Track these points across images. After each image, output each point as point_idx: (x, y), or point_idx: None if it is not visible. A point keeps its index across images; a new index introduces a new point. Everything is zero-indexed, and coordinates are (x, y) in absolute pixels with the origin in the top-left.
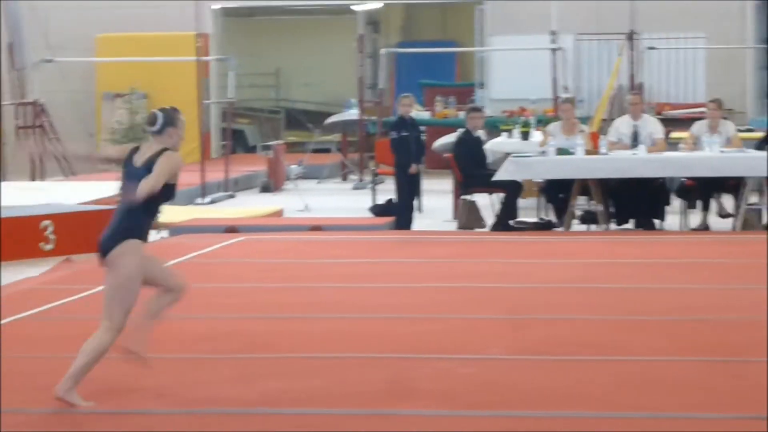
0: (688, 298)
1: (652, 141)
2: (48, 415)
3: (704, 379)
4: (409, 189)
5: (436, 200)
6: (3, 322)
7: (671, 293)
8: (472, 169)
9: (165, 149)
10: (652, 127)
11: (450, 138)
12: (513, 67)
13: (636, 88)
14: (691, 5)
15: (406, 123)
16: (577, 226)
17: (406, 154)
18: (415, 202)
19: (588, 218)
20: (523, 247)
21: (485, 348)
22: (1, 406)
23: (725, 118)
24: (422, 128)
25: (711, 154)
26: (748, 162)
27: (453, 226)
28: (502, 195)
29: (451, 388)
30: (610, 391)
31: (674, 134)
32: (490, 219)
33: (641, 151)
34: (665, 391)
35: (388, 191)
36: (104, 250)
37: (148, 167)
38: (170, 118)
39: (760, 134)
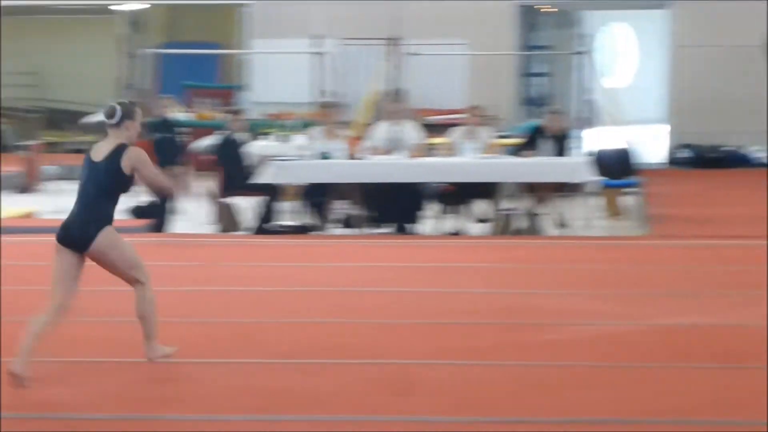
0: (443, 301)
1: (411, 146)
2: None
3: (456, 382)
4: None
5: (197, 202)
6: None
7: (427, 297)
8: (232, 172)
9: (122, 144)
10: (412, 132)
11: (211, 140)
12: (276, 70)
13: (398, 93)
14: (452, 12)
15: (165, 124)
16: (336, 229)
17: (165, 156)
18: (174, 204)
19: (347, 222)
20: (283, 250)
21: (244, 352)
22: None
23: (484, 125)
24: (184, 130)
25: (468, 159)
26: (504, 168)
27: (213, 228)
28: (262, 198)
29: (210, 393)
30: (364, 394)
31: (434, 140)
32: (250, 222)
33: (400, 156)
34: (423, 394)
35: (149, 193)
36: (83, 242)
37: (110, 161)
38: (128, 111)
39: (518, 140)
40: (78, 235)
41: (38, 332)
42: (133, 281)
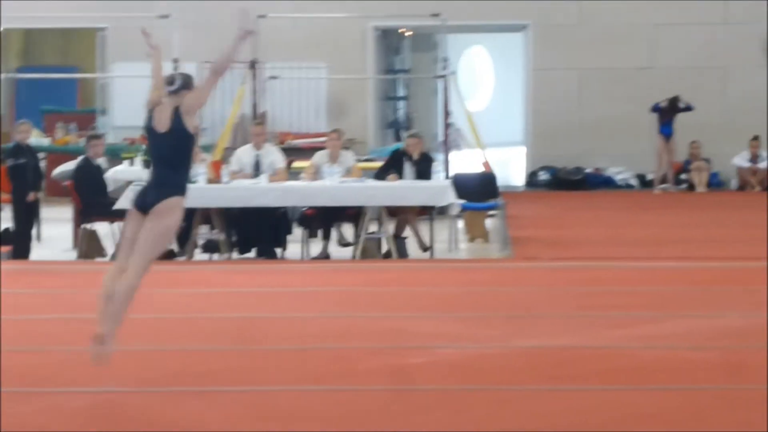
0: (309, 326)
1: (273, 170)
2: None
3: (324, 408)
4: (27, 217)
5: (56, 229)
6: None
7: (293, 322)
8: (92, 197)
9: (177, 107)
10: (273, 156)
11: (70, 165)
12: (136, 94)
13: (259, 117)
14: (313, 35)
15: (23, 150)
16: (199, 255)
17: (22, 182)
18: (32, 231)
19: (210, 247)
20: (146, 276)
21: (100, 380)
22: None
23: (346, 148)
24: (41, 155)
25: (331, 183)
26: (367, 191)
27: (73, 255)
28: (122, 224)
29: (62, 423)
30: (231, 422)
31: (296, 164)
32: (111, 248)
33: (263, 180)
34: (290, 420)
35: (5, 219)
36: (152, 201)
37: (174, 127)
38: (187, 81)
39: (379, 164)
40: (152, 200)
41: (112, 294)
42: (130, 264)
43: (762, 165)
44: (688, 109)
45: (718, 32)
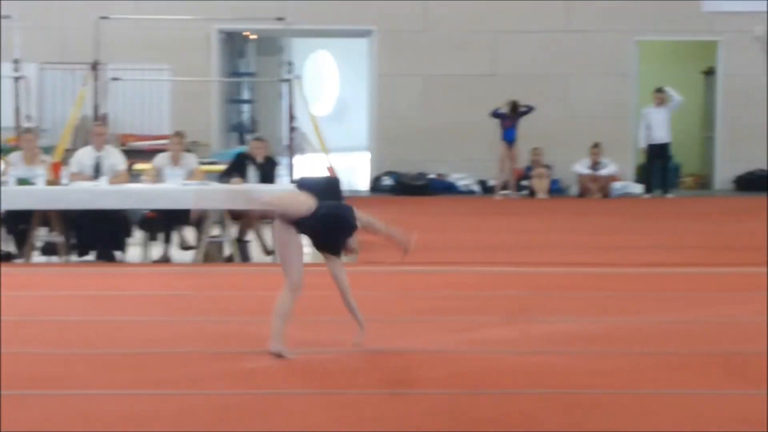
0: (150, 330)
1: (114, 172)
2: None
3: (163, 413)
4: None
5: None
6: None
7: (133, 326)
8: None
9: None
10: (114, 158)
11: None
12: None
13: (100, 118)
14: (156, 36)
15: None
16: (37, 257)
17: None
18: None
19: (49, 249)
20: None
21: None
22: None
23: (188, 151)
24: None
25: (173, 186)
26: (209, 194)
27: None
28: None
29: None
30: (68, 428)
31: (138, 166)
32: None
33: (103, 182)
34: (129, 425)
35: None
36: None
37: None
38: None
39: (223, 167)
40: None
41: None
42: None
43: (602, 172)
44: (529, 110)
45: (560, 40)
